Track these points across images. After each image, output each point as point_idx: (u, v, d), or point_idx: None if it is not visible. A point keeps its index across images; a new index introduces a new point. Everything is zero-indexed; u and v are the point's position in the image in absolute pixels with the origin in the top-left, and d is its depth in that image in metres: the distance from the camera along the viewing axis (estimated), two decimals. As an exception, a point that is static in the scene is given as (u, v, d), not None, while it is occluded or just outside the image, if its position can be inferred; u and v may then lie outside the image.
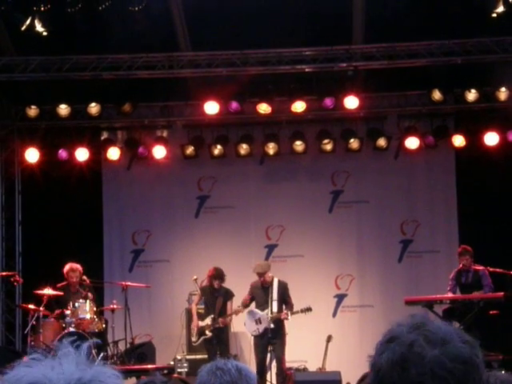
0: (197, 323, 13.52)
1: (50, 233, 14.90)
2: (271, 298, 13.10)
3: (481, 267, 13.06)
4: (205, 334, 13.40)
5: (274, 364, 13.83)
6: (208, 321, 13.41)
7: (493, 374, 2.76)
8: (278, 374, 13.03)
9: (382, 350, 1.87)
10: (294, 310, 13.04)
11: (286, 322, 13.14)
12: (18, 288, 14.91)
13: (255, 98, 14.58)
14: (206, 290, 13.63)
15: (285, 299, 13.13)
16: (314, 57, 13.92)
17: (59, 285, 13.28)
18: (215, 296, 13.46)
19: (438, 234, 15.15)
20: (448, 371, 1.80)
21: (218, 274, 13.42)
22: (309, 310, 13.02)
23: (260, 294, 13.25)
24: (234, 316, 13.46)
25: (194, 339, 13.56)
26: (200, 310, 13.73)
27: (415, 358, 1.81)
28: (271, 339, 12.98)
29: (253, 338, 13.31)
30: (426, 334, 1.84)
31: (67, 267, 13.28)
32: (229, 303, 13.48)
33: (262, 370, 13.05)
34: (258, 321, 13.14)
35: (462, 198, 15.01)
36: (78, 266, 13.32)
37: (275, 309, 13.06)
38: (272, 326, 12.97)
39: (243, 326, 13.81)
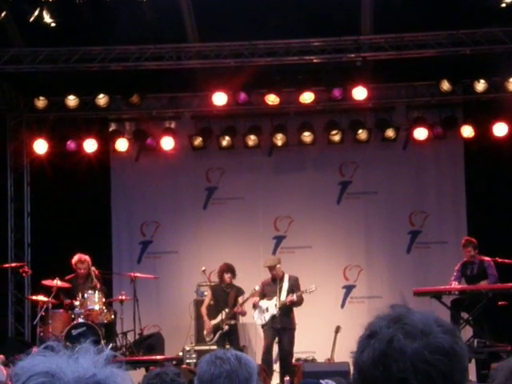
0: (209, 324, 13.52)
1: (59, 224, 14.93)
2: (281, 288, 13.11)
3: (486, 258, 13.04)
4: (221, 329, 13.38)
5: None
6: (221, 317, 13.42)
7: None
8: (282, 367, 13.02)
9: (362, 348, 1.85)
10: (298, 292, 13.06)
11: (295, 314, 13.16)
12: (26, 279, 14.95)
13: (263, 89, 14.56)
14: (216, 287, 13.64)
15: (293, 291, 13.13)
16: (322, 47, 13.89)
17: (67, 277, 13.32)
18: (227, 292, 13.47)
19: (446, 225, 15.12)
20: (429, 364, 1.77)
21: (229, 268, 13.43)
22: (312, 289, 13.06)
23: (270, 287, 13.25)
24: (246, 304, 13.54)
25: (208, 339, 13.50)
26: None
27: (395, 354, 1.78)
28: (280, 329, 13.00)
29: (262, 329, 13.32)
30: (404, 328, 1.81)
31: (75, 258, 13.31)
32: (240, 298, 13.52)
33: (269, 357, 13.07)
34: (266, 310, 13.16)
35: (471, 188, 14.98)
36: (87, 257, 13.34)
37: (283, 298, 13.07)
38: (279, 312, 12.98)
39: (251, 318, 13.85)
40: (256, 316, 13.30)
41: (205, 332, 13.60)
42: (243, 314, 13.58)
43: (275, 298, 13.07)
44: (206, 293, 14.16)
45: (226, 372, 3.21)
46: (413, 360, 1.77)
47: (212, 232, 15.19)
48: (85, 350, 1.61)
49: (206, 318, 13.59)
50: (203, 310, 13.73)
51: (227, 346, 13.27)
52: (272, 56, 13.92)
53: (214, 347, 13.33)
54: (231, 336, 13.46)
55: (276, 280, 13.18)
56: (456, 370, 1.80)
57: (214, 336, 13.42)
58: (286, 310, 13.05)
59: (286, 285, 13.15)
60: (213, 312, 13.58)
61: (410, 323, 1.82)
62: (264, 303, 13.21)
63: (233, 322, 13.49)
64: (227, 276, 13.41)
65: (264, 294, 13.32)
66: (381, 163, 15.29)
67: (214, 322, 13.47)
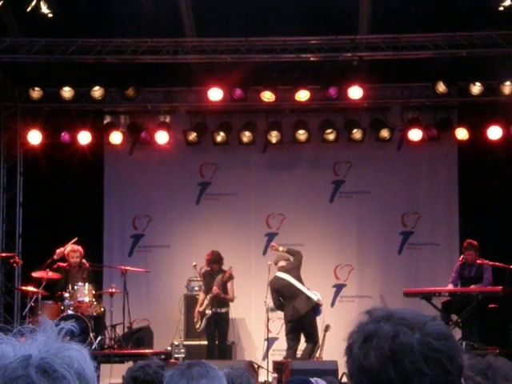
0: (196, 310, 13.59)
1: (51, 215, 14.92)
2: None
3: (485, 261, 13.04)
4: (205, 314, 13.46)
5: (270, 352, 13.96)
6: (206, 302, 13.51)
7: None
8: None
9: (363, 352, 1.85)
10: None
11: None
12: (17, 269, 14.93)
13: (259, 86, 14.56)
14: (205, 275, 13.73)
15: None
16: (319, 46, 13.89)
17: (60, 264, 13.27)
18: (213, 277, 13.54)
19: (438, 227, 15.14)
20: (437, 351, 1.80)
21: (215, 259, 13.51)
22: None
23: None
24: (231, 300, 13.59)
25: (197, 326, 13.59)
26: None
27: (404, 348, 1.80)
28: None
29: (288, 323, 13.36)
30: (400, 323, 1.83)
31: (68, 248, 13.33)
32: (229, 284, 13.56)
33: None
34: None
35: (464, 191, 15.00)
36: (79, 248, 13.37)
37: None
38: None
39: (241, 313, 13.91)
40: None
41: (195, 319, 13.67)
42: (218, 295, 13.56)
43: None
44: (196, 288, 14.21)
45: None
46: (422, 350, 1.80)
47: (204, 227, 15.19)
48: (41, 331, 1.59)
49: (198, 304, 13.66)
50: (201, 294, 13.80)
51: (216, 342, 13.35)
52: (269, 53, 13.92)
53: (203, 342, 13.40)
54: (221, 326, 13.50)
55: None
56: (457, 353, 1.84)
57: (201, 323, 13.48)
58: None
59: None
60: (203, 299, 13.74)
61: (403, 317, 1.85)
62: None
63: (224, 310, 13.50)
64: (214, 266, 13.54)
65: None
66: (375, 163, 15.30)
67: (200, 308, 13.54)
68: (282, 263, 13.51)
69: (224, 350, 13.54)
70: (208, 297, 13.50)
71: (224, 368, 3.47)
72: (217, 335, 13.45)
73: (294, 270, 13.39)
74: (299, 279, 13.31)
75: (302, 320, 13.21)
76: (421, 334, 1.81)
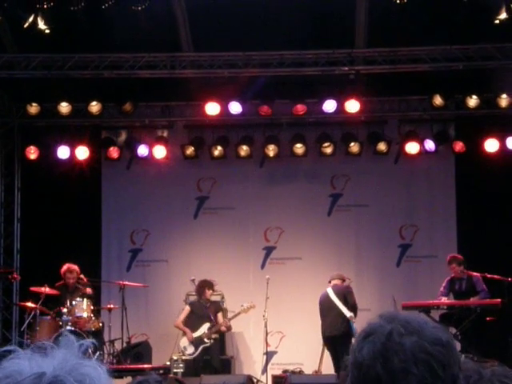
0: (191, 335, 13.39)
1: (49, 231, 14.90)
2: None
3: (474, 273, 13.06)
4: (204, 342, 13.32)
5: (269, 366, 13.93)
6: (204, 329, 13.35)
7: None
8: None
9: (360, 346, 1.89)
10: None
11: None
12: (15, 285, 14.90)
13: (256, 100, 14.58)
14: (195, 303, 13.62)
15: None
16: (315, 60, 13.93)
17: (57, 284, 13.29)
18: (206, 306, 13.45)
19: (436, 239, 15.14)
20: (430, 354, 1.82)
21: (211, 284, 13.50)
22: None
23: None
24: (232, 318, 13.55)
25: (189, 351, 13.34)
26: None
27: (396, 346, 1.83)
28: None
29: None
30: (401, 324, 1.87)
31: (64, 268, 13.29)
32: (219, 315, 13.51)
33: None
34: None
35: (461, 203, 15.02)
36: (75, 267, 13.32)
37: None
38: None
39: (239, 327, 13.87)
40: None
41: (185, 344, 13.44)
42: (230, 329, 13.58)
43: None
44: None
45: None
46: (413, 351, 1.82)
47: (202, 241, 15.18)
48: (59, 348, 1.59)
49: (186, 329, 13.47)
50: (179, 323, 13.60)
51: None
52: (266, 67, 13.95)
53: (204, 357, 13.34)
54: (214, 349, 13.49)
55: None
56: (453, 362, 1.85)
57: (196, 350, 13.30)
58: None
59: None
60: (192, 326, 13.48)
61: (406, 320, 1.89)
62: None
63: (217, 331, 13.49)
64: (209, 292, 13.47)
65: None
66: (372, 176, 15.31)
67: (195, 334, 13.38)
68: (335, 281, 13.42)
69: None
70: (206, 325, 13.36)
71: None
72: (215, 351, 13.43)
73: (343, 295, 13.25)
74: (344, 302, 13.20)
75: (334, 339, 13.04)
76: (418, 336, 1.84)
